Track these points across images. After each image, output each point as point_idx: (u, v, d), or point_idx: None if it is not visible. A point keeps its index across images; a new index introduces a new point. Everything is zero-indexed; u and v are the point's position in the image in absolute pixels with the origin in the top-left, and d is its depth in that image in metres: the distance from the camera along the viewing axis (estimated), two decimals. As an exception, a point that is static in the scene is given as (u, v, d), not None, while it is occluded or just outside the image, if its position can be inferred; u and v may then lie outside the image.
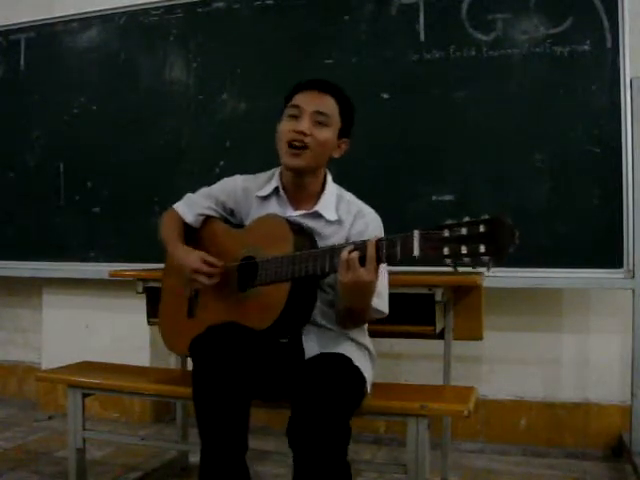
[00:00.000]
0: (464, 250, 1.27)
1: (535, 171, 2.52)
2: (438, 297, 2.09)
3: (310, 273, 1.55)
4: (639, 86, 2.42)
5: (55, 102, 3.22)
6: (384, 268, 1.67)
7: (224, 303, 1.77)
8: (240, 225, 1.87)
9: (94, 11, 3.15)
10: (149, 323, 2.46)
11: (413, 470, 1.72)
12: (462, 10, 2.60)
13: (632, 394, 2.46)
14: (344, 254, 1.46)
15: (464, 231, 1.27)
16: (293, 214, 1.76)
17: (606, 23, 2.44)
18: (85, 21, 3.17)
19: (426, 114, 2.66)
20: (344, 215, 1.75)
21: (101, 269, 3.01)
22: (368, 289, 1.50)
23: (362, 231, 1.71)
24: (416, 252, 1.34)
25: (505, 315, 2.77)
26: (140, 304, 2.47)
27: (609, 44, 2.44)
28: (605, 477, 2.43)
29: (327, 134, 1.72)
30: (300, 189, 1.78)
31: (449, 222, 1.30)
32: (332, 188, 1.80)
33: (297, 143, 1.69)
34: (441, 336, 2.25)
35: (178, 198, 1.96)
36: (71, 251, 3.17)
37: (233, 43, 2.92)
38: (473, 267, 1.28)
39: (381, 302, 1.68)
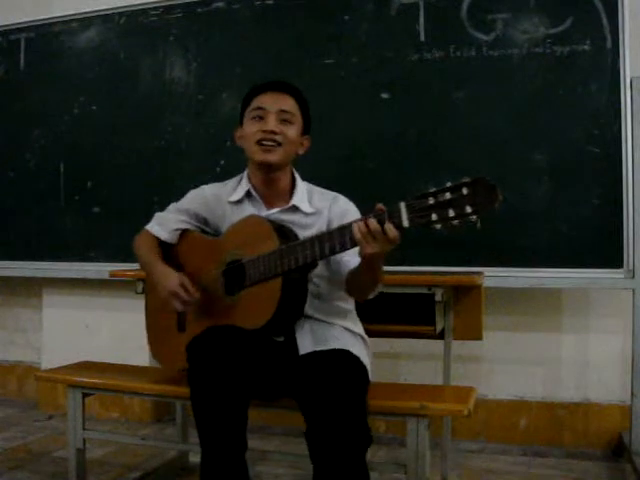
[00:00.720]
0: (452, 213, 1.30)
1: (535, 171, 2.52)
2: (438, 297, 2.09)
3: (300, 264, 1.55)
4: (639, 86, 2.42)
5: (55, 102, 3.22)
6: None
7: (214, 311, 1.75)
8: (217, 233, 1.85)
9: (94, 11, 3.15)
10: (149, 323, 2.45)
11: (413, 470, 1.72)
12: (462, 10, 2.60)
13: (632, 394, 2.46)
14: (361, 227, 1.43)
15: (448, 195, 1.30)
16: (269, 212, 1.78)
17: (606, 23, 2.44)
18: (85, 21, 3.17)
19: (426, 114, 2.66)
20: (320, 204, 1.79)
21: (101, 269, 3.01)
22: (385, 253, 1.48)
23: (343, 212, 1.75)
24: (406, 223, 1.36)
25: (505, 315, 2.78)
26: (140, 304, 2.45)
27: (609, 44, 2.44)
28: (605, 477, 2.43)
29: (293, 131, 1.76)
30: (271, 187, 1.80)
31: (431, 190, 1.33)
32: (302, 184, 1.83)
33: (268, 142, 1.72)
34: (441, 336, 2.25)
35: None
36: (71, 251, 3.17)
37: (233, 43, 2.92)
38: (461, 227, 1.31)
39: None
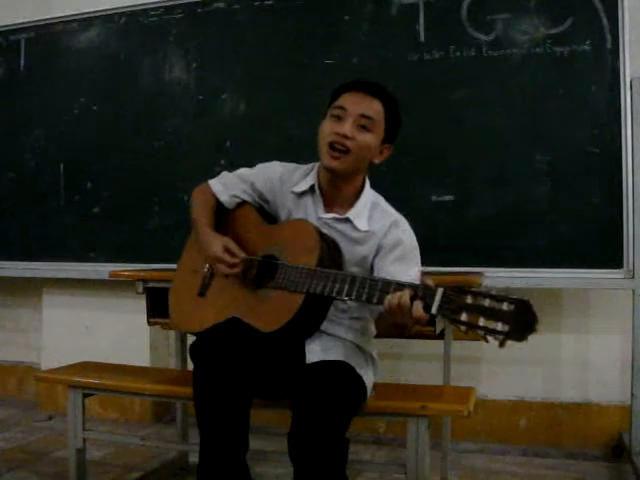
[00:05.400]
0: (481, 322, 1.26)
1: (535, 171, 2.52)
2: (438, 297, 2.09)
3: (325, 293, 1.54)
4: (639, 86, 2.42)
5: (55, 102, 3.22)
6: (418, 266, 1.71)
7: (236, 294, 1.74)
8: (272, 216, 1.83)
9: (94, 11, 3.15)
10: (149, 323, 2.46)
11: (413, 470, 1.72)
12: (462, 10, 2.60)
13: (632, 394, 2.46)
14: (394, 300, 1.41)
15: (487, 303, 1.26)
16: (324, 216, 1.73)
17: (606, 23, 2.44)
18: (85, 21, 3.17)
19: (426, 114, 2.65)
20: (377, 225, 1.72)
21: (101, 269, 3.01)
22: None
23: (395, 244, 1.69)
24: (434, 310, 1.34)
25: (505, 315, 2.77)
26: (140, 304, 2.47)
27: (609, 44, 2.44)
28: (605, 477, 2.43)
29: (370, 139, 1.67)
30: (336, 191, 1.74)
31: (474, 288, 1.29)
32: (368, 195, 1.76)
33: (339, 146, 1.64)
34: (441, 336, 2.25)
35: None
36: (71, 251, 3.17)
37: (233, 43, 2.92)
38: (485, 339, 1.29)
39: None
